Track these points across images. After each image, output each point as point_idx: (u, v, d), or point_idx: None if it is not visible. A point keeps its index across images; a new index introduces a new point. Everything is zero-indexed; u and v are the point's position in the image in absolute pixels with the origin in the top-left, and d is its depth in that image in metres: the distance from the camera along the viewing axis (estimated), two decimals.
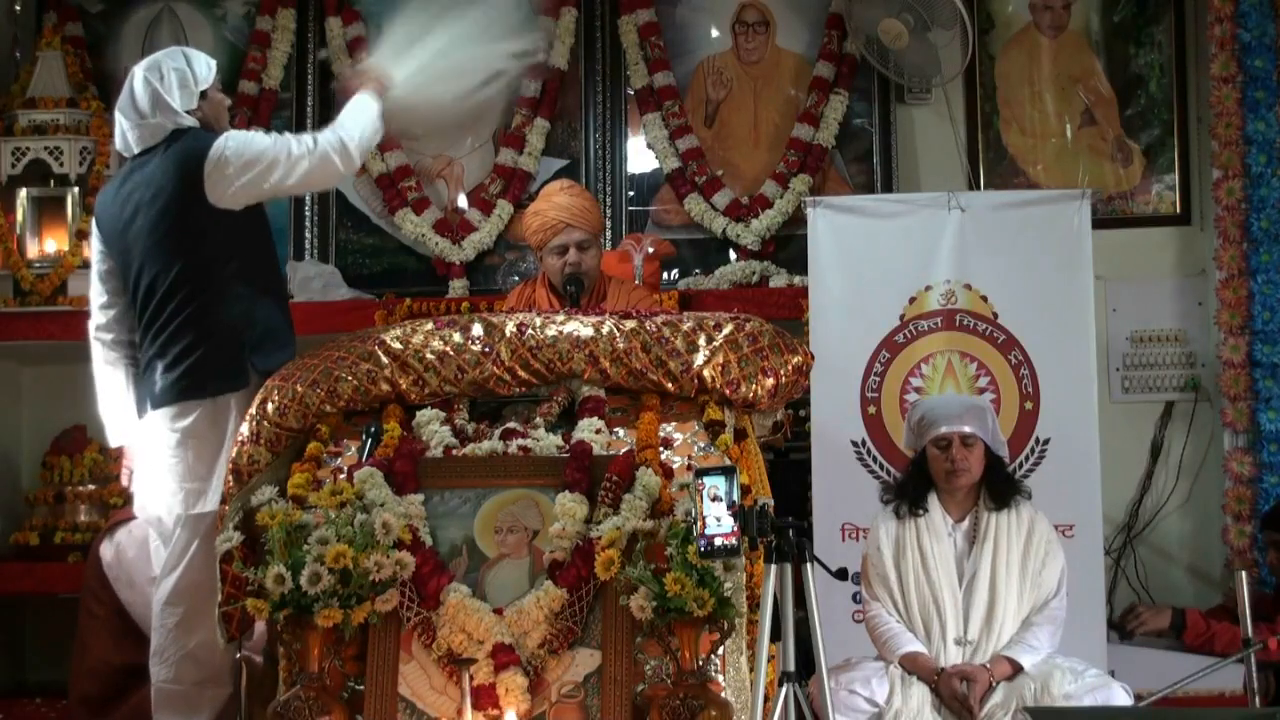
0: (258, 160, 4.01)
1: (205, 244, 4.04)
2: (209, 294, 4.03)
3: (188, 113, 4.12)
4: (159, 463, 4.05)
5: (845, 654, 4.29)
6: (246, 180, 4.00)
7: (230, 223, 4.06)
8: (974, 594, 4.13)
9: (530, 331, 3.77)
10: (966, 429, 4.18)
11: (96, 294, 4.23)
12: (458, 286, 6.09)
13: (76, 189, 5.82)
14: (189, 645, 4.00)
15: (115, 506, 5.35)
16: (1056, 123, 6.03)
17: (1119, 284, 5.85)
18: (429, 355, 3.77)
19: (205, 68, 4.20)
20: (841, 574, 3.35)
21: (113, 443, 4.32)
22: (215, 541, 3.75)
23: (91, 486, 5.77)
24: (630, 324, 3.78)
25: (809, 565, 3.24)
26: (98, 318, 4.23)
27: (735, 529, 3.14)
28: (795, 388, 3.83)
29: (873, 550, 4.25)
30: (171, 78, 4.11)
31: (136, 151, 4.12)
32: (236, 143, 4.02)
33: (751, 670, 3.34)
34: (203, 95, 4.17)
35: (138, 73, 4.11)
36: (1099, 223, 5.30)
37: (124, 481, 4.36)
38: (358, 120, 4.18)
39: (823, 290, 5.17)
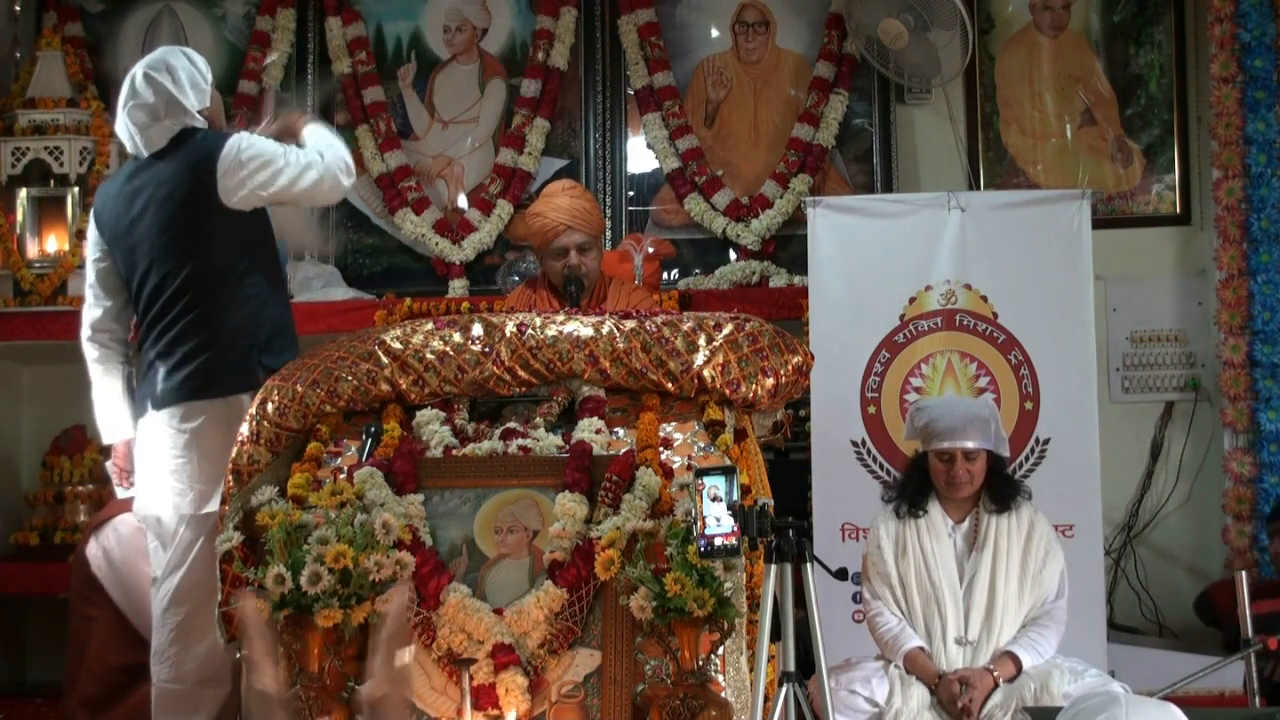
0: (270, 162, 4.02)
1: (216, 245, 4.05)
2: (220, 295, 4.03)
3: (198, 112, 4.12)
4: (162, 463, 4.04)
5: (845, 654, 4.29)
6: (258, 182, 4.01)
7: (239, 223, 4.07)
8: (973, 595, 4.13)
9: (530, 331, 3.77)
10: (970, 444, 4.16)
11: (93, 291, 4.22)
12: (458, 286, 6.10)
13: (76, 189, 5.82)
14: (192, 645, 4.00)
15: None
16: (1056, 123, 6.03)
17: (1119, 284, 5.85)
18: (429, 355, 3.77)
19: (206, 66, 4.20)
20: (841, 574, 3.35)
21: (106, 441, 4.32)
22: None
23: (91, 486, 5.77)
24: (630, 324, 3.77)
25: (809, 565, 3.24)
26: (93, 315, 4.21)
27: (735, 529, 3.13)
28: (795, 388, 3.83)
29: (873, 549, 4.25)
30: (182, 77, 4.11)
31: (147, 155, 4.11)
32: (249, 143, 4.04)
33: (751, 670, 3.34)
34: None
35: (146, 74, 4.09)
36: (1099, 223, 5.30)
37: (116, 480, 4.35)
38: (337, 145, 4.20)
39: (823, 290, 5.17)
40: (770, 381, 3.72)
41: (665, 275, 5.96)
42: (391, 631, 3.31)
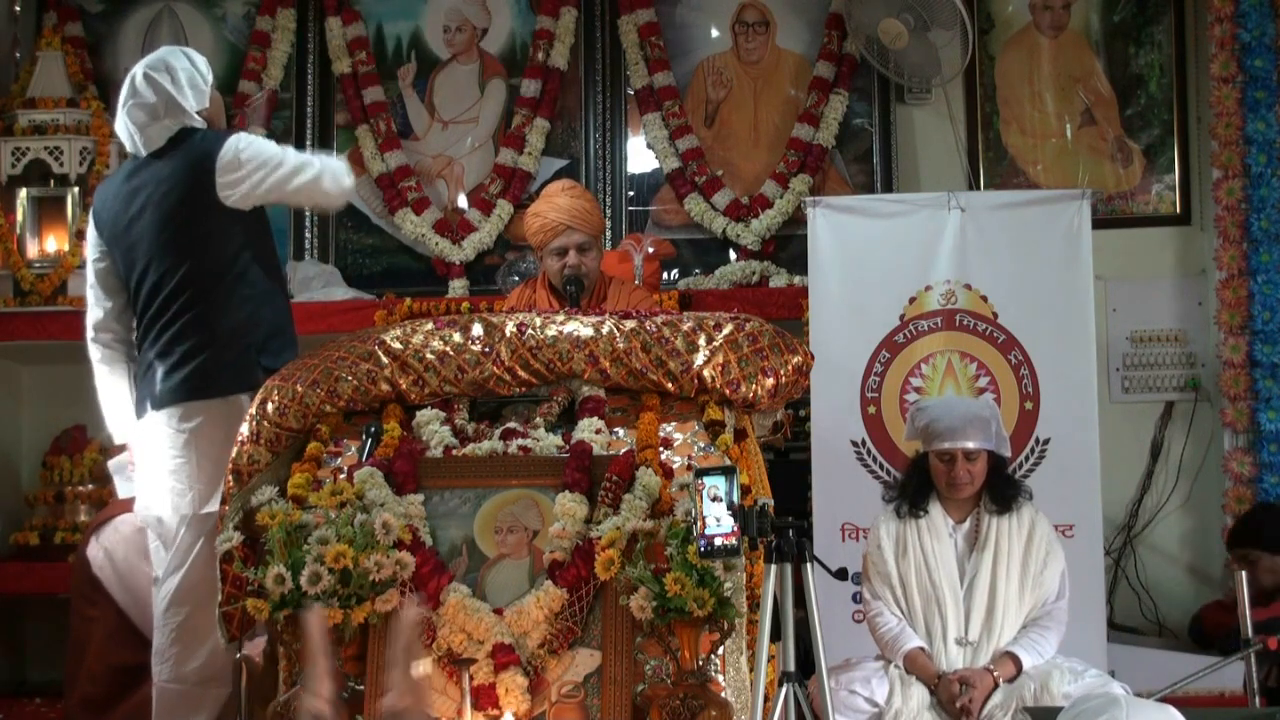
0: (268, 161, 4.05)
1: (214, 244, 4.05)
2: (217, 294, 4.04)
3: (197, 113, 4.13)
4: (162, 463, 4.04)
5: (845, 654, 4.29)
6: (256, 180, 4.03)
7: (238, 223, 4.07)
8: (974, 596, 4.13)
9: (530, 331, 3.77)
10: (970, 445, 4.16)
11: (94, 293, 4.22)
12: (458, 286, 6.09)
13: (76, 189, 5.82)
14: (194, 645, 4.00)
15: None
16: (1056, 123, 6.03)
17: (1119, 284, 5.85)
18: (429, 355, 3.77)
19: (206, 67, 4.21)
20: (841, 574, 3.35)
21: (117, 440, 4.32)
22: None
23: (91, 486, 5.77)
24: (630, 324, 3.77)
25: (809, 565, 3.24)
26: (96, 316, 4.22)
27: (735, 529, 3.13)
28: (795, 388, 3.83)
29: (873, 549, 4.25)
30: (182, 78, 4.12)
31: (146, 154, 4.12)
32: (249, 143, 4.06)
33: (751, 670, 3.34)
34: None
35: (145, 74, 4.10)
36: (1099, 223, 5.30)
37: (129, 474, 4.34)
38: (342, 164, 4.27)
39: (823, 290, 5.16)
40: (770, 381, 3.72)
41: (665, 275, 5.96)
42: (408, 643, 3.31)
